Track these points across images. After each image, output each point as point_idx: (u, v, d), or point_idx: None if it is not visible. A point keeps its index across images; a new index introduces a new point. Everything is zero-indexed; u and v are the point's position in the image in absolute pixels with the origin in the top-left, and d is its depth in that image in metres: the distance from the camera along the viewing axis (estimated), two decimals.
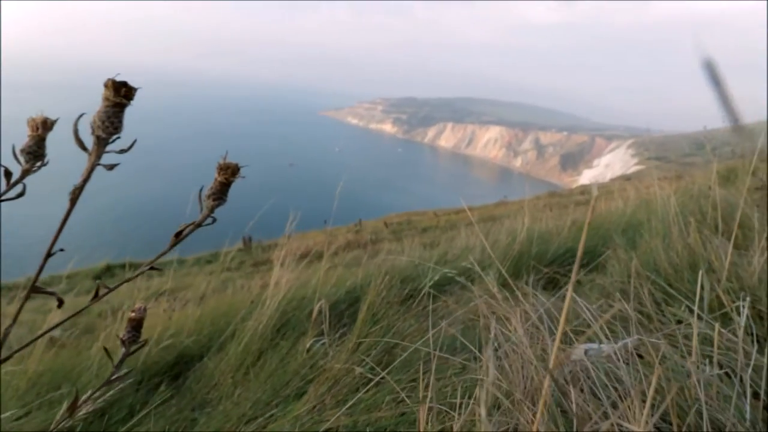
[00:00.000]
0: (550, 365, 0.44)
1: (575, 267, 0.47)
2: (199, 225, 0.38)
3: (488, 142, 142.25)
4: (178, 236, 0.38)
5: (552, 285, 1.86)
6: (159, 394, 1.45)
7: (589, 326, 1.07)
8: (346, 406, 0.76)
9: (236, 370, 1.47)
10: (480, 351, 0.87)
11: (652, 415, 0.55)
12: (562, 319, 0.49)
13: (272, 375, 1.24)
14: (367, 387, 0.79)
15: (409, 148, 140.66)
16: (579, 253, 0.49)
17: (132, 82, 0.40)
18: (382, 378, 0.78)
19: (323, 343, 1.32)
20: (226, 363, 1.52)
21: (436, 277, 1.21)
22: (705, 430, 0.64)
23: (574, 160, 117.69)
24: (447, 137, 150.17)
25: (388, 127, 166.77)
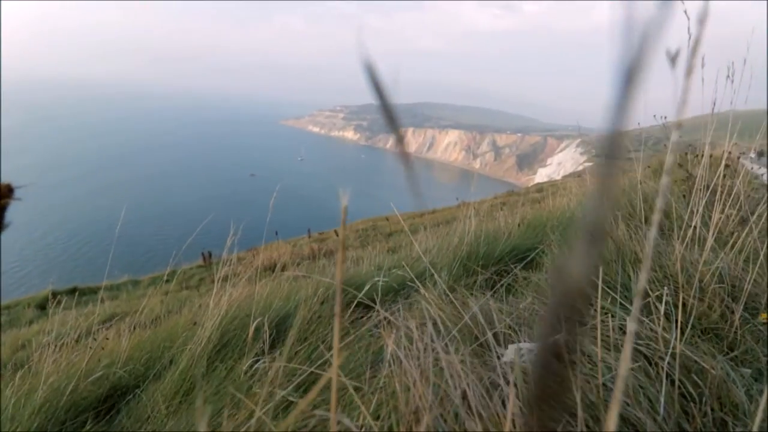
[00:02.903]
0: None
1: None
2: None
3: (448, 146, 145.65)
4: None
5: (506, 282, 1.88)
6: None
7: (525, 324, 1.07)
8: None
9: (172, 399, 1.36)
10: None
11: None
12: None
13: (206, 402, 1.16)
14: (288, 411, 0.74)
15: (372, 154, 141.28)
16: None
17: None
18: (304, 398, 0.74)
19: (264, 362, 1.25)
20: (161, 392, 1.41)
21: (368, 287, 1.18)
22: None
23: (529, 160, 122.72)
24: (408, 142, 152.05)
25: (349, 134, 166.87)
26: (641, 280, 0.33)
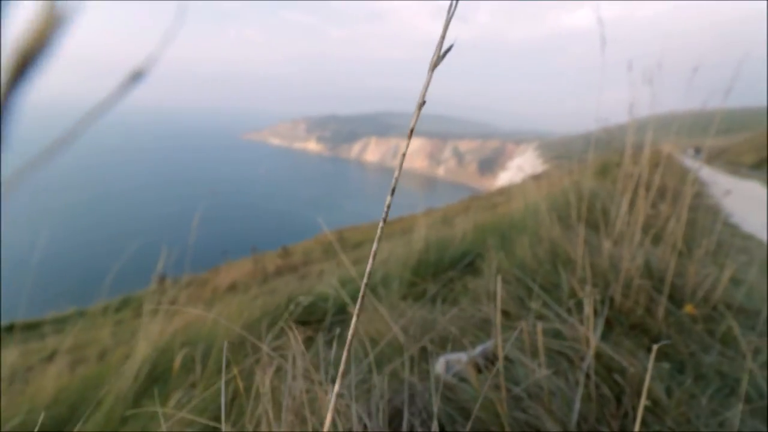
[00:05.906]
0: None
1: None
2: None
3: (412, 154, 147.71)
4: None
5: (447, 289, 1.88)
6: None
7: (460, 334, 1.06)
8: None
9: None
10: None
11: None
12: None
13: None
14: None
15: (336, 165, 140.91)
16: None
17: None
18: None
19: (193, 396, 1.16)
20: None
21: (292, 307, 1.14)
22: None
23: (490, 165, 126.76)
24: (372, 151, 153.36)
25: (312, 146, 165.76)
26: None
